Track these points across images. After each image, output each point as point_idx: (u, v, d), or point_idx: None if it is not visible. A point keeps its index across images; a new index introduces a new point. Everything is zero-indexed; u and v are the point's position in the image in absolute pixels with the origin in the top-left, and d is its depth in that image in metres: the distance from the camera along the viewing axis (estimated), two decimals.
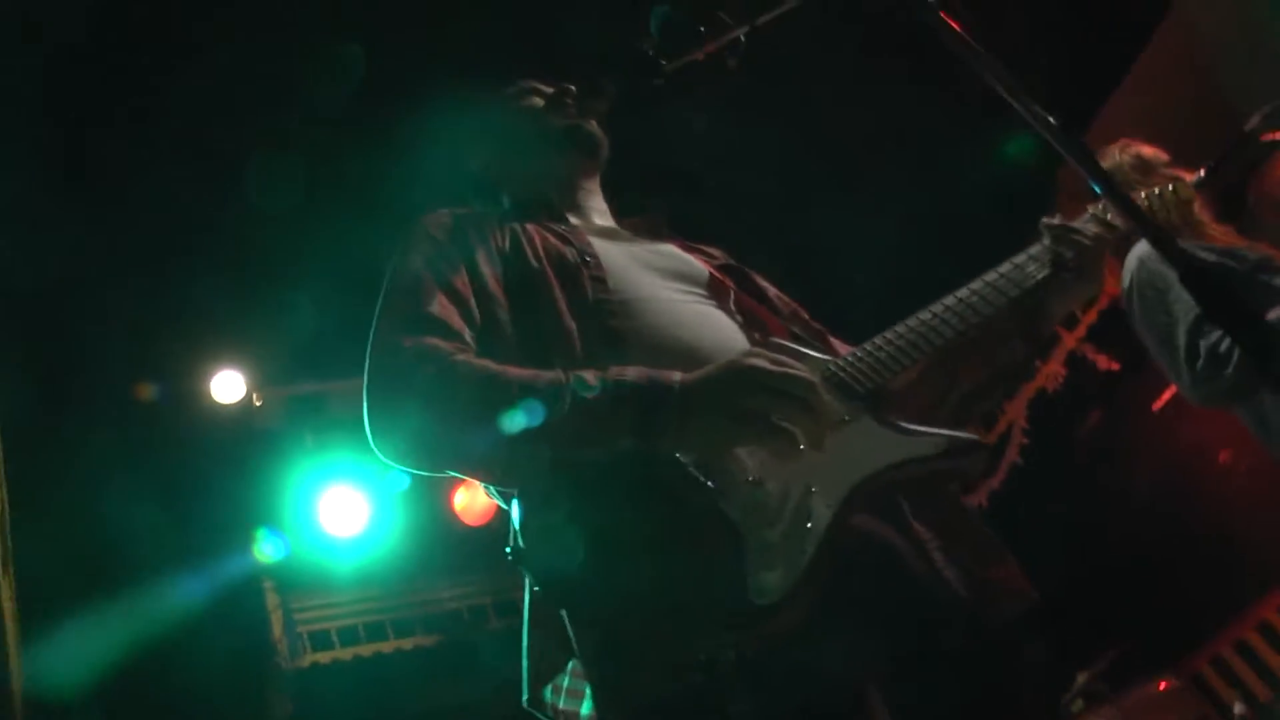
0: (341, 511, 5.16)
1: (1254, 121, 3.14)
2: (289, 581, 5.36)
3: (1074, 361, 6.17)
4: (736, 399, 1.39)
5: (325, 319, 4.00)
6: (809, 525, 1.35)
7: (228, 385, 5.01)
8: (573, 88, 2.07)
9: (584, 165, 2.09)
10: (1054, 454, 6.27)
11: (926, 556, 1.51)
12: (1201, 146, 3.24)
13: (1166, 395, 5.39)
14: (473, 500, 5.37)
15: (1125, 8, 4.94)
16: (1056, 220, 1.76)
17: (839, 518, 1.36)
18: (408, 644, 5.53)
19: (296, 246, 4.18)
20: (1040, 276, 1.73)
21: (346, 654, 5.42)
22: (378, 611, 5.57)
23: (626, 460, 1.41)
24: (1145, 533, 5.54)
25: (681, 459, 1.40)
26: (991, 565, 1.56)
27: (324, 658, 5.37)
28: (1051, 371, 6.26)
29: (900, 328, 1.64)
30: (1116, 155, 3.13)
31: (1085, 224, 1.78)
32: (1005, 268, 1.76)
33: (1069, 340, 6.17)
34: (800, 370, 1.42)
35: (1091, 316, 6.08)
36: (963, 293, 1.71)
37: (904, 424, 1.48)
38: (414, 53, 3.74)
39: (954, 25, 1.42)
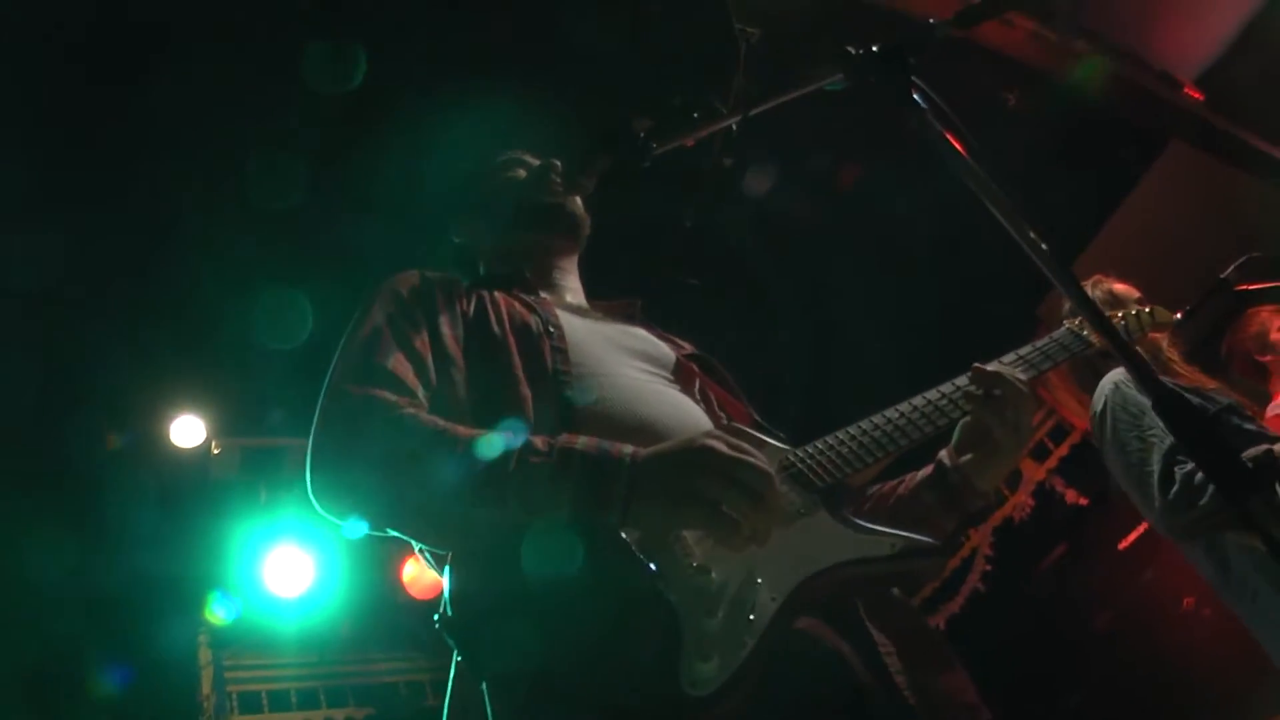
0: (287, 571, 5.03)
1: (1229, 271, 3.21)
2: (224, 637, 5.19)
3: (1043, 493, 6.16)
4: (686, 480, 1.34)
5: (290, 373, 3.95)
6: (751, 617, 1.30)
7: (187, 430, 4.93)
8: (558, 163, 2.08)
9: (562, 243, 2.09)
10: (1016, 584, 6.23)
11: (877, 661, 1.47)
12: (1187, 285, 3.30)
13: (1133, 535, 5.38)
14: (422, 572, 5.25)
15: (1122, 144, 5.09)
16: (990, 367, 1.72)
17: (783, 612, 1.31)
18: (339, 715, 5.33)
19: (270, 299, 4.16)
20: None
21: (274, 719, 5.21)
22: (312, 677, 5.39)
23: (567, 532, 1.35)
24: (1101, 672, 5.48)
25: (625, 537, 1.34)
26: (943, 675, 1.51)
27: None
28: (1019, 502, 6.25)
29: (865, 424, 1.62)
30: (1089, 290, 3.18)
31: (1013, 367, 1.76)
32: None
33: (1039, 472, 6.18)
34: (757, 459, 1.37)
35: (1063, 450, 6.11)
36: (933, 394, 1.70)
37: (860, 521, 1.45)
38: (397, 87, 3.76)
39: (958, 147, 1.43)
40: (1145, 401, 2.83)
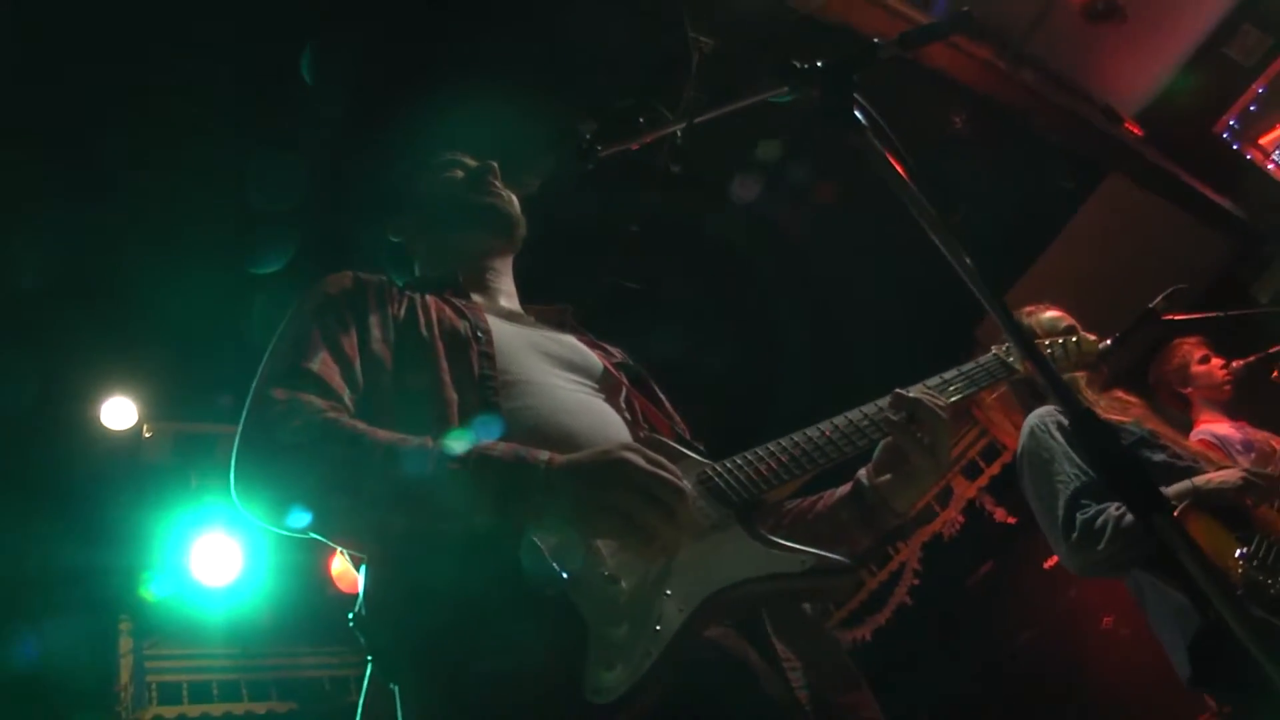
0: (213, 559, 4.93)
1: (1157, 301, 3.30)
2: (146, 625, 5.08)
3: (972, 510, 6.28)
4: (600, 491, 1.34)
5: (226, 359, 3.89)
6: (658, 628, 1.30)
7: (118, 412, 4.83)
8: (495, 164, 2.07)
9: (496, 244, 2.08)
10: (943, 599, 6.33)
11: (782, 676, 1.48)
12: (1121, 313, 3.38)
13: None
14: (350, 567, 5.17)
15: (1063, 174, 5.20)
16: (911, 392, 1.72)
17: (690, 624, 1.32)
18: (260, 708, 5.25)
19: (209, 282, 4.10)
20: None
21: (194, 711, 5.12)
22: (234, 670, 5.30)
23: (482, 538, 1.35)
24: (1022, 687, 5.58)
25: (539, 544, 1.34)
26: (846, 691, 1.53)
27: (169, 713, 5.07)
28: (949, 518, 6.36)
29: (786, 440, 1.62)
30: (1021, 320, 3.26)
31: (933, 396, 1.74)
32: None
33: (970, 489, 6.30)
34: (672, 475, 1.37)
35: (994, 469, 6.23)
36: (855, 414, 1.70)
37: (773, 538, 1.45)
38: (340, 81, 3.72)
39: (897, 166, 1.45)
40: (1056, 447, 2.99)
